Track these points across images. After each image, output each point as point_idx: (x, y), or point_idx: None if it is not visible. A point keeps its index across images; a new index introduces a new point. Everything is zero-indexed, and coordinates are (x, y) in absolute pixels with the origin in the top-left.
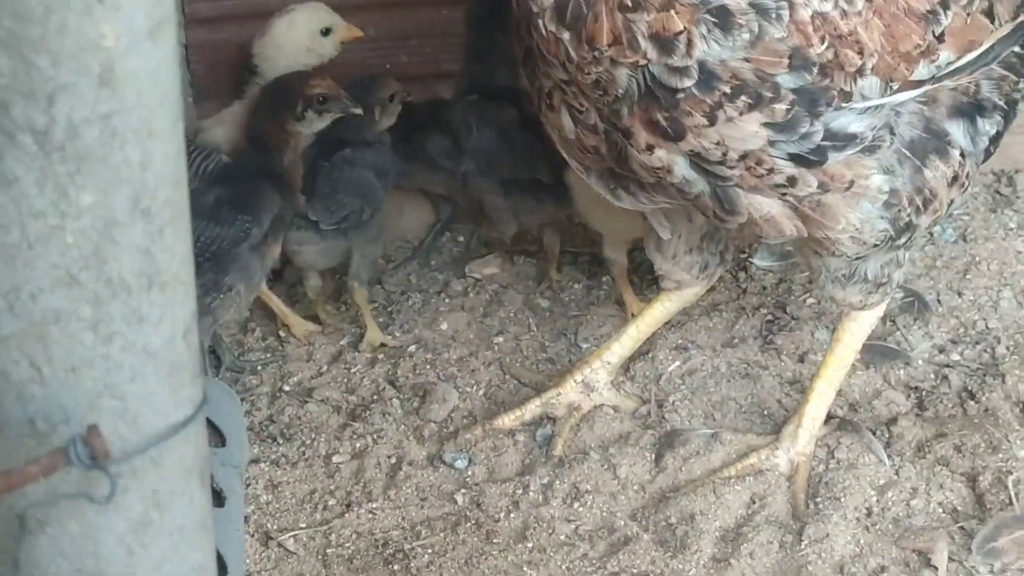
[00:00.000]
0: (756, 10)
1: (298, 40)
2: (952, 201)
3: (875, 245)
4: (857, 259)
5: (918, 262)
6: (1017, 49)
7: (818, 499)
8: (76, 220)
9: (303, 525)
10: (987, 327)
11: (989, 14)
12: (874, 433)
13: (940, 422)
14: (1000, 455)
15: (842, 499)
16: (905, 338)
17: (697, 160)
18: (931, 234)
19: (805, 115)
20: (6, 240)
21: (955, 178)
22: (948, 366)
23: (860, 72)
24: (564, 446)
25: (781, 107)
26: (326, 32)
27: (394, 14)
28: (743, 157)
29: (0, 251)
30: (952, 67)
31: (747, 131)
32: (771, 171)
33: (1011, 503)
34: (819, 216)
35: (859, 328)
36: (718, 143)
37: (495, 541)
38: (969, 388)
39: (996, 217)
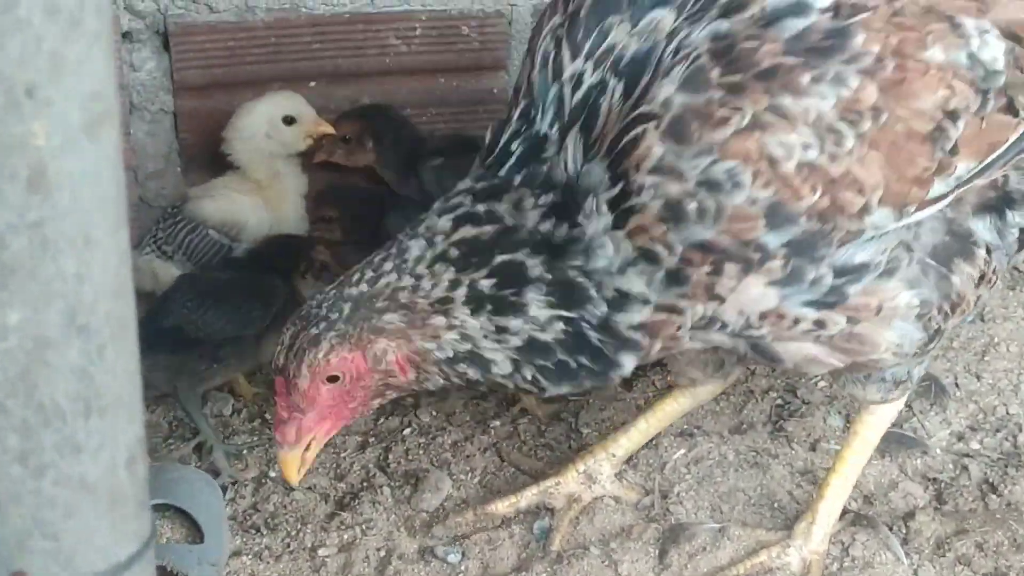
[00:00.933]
0: (707, 186)
1: (256, 126)
2: (979, 298)
3: (914, 355)
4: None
5: None
6: None
7: None
8: (2, 340)
9: None
10: (1007, 413)
11: (1010, 109)
12: (891, 529)
13: (960, 517)
14: None
15: None
16: (922, 424)
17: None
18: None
19: (807, 263)
20: None
21: (982, 277)
22: (968, 455)
23: (866, 210)
24: (562, 540)
25: (776, 264)
26: (290, 121)
27: (388, 83)
28: (764, 316)
29: None
30: (976, 170)
31: (754, 294)
32: (797, 321)
33: None
34: (858, 345)
35: (878, 421)
36: (740, 312)
37: None
38: (990, 480)
39: (1015, 295)
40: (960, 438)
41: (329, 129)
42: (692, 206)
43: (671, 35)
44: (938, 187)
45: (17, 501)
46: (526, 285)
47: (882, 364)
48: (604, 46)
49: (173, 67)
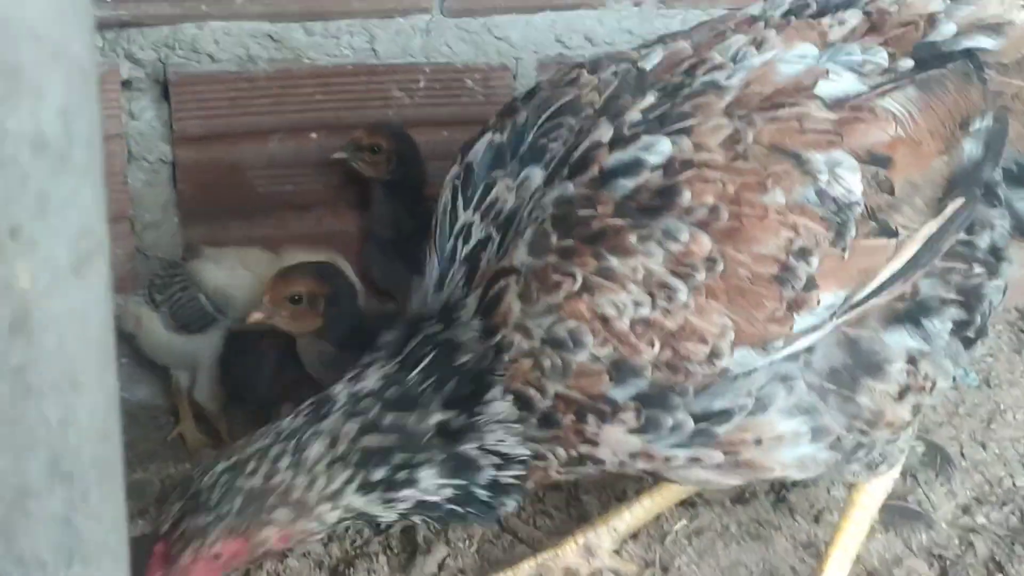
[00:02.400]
0: (551, 344)
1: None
2: (917, 406)
3: (832, 467)
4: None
5: (939, 408)
6: (961, 235)
7: None
8: None
9: None
10: (1014, 484)
11: (884, 231)
12: None
13: None
14: None
15: None
16: (927, 496)
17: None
18: (953, 379)
19: (661, 412)
20: None
21: (906, 389)
22: (974, 530)
23: (715, 355)
24: None
25: (629, 415)
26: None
27: None
28: (634, 456)
29: None
30: (864, 294)
31: (618, 438)
32: (668, 459)
33: None
34: (748, 469)
35: (873, 491)
36: (613, 452)
37: None
38: (996, 558)
39: (1022, 360)
40: (966, 511)
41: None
42: (546, 362)
43: (534, 193)
44: (805, 320)
45: None
46: (419, 466)
47: (792, 479)
48: (488, 200)
49: (173, 117)
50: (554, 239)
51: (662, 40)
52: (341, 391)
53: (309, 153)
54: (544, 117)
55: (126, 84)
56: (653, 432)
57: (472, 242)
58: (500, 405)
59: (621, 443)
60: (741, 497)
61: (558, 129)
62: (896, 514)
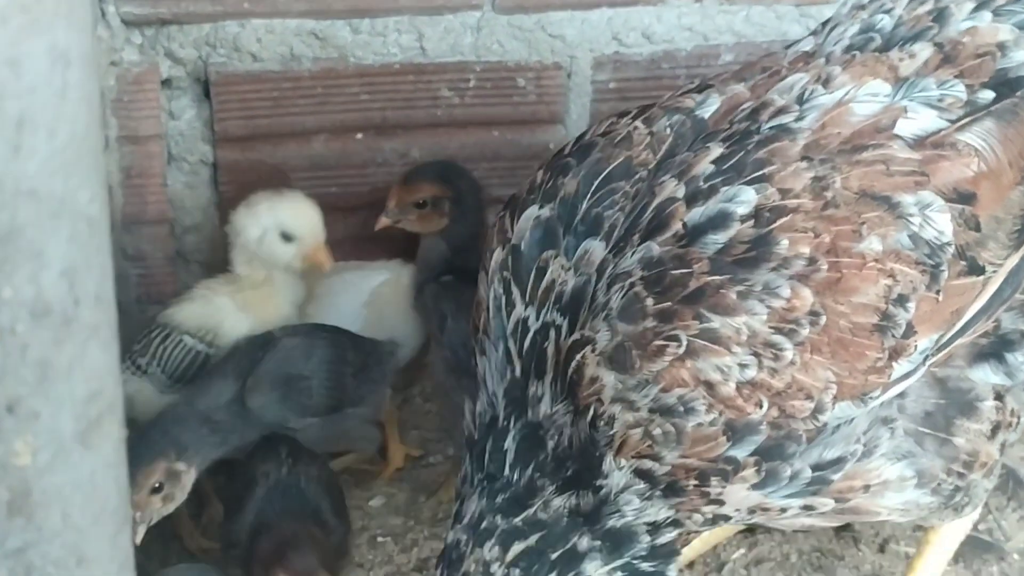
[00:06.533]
0: (660, 412)
1: (249, 230)
2: (1004, 443)
3: (931, 511)
4: None
5: None
6: None
7: None
8: None
9: None
10: None
11: (972, 269)
12: None
13: None
14: None
15: None
16: (999, 524)
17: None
18: None
19: (780, 464)
20: None
21: (997, 426)
22: None
23: (819, 410)
24: None
25: (750, 472)
26: (288, 238)
27: (439, 136)
28: (752, 510)
29: None
30: (952, 333)
31: (740, 495)
32: (784, 509)
33: None
34: (853, 515)
35: (954, 529)
36: (736, 509)
37: None
38: None
39: None
40: None
41: (326, 260)
42: (656, 431)
43: (601, 268)
44: (901, 367)
45: None
46: (583, 560)
47: (891, 522)
48: (543, 285)
49: (214, 117)
50: (649, 302)
51: (711, 85)
52: (456, 536)
53: (354, 154)
54: (596, 184)
55: (166, 83)
56: (773, 484)
57: (529, 335)
58: (619, 475)
59: (744, 499)
60: None
61: (612, 196)
62: (966, 544)
